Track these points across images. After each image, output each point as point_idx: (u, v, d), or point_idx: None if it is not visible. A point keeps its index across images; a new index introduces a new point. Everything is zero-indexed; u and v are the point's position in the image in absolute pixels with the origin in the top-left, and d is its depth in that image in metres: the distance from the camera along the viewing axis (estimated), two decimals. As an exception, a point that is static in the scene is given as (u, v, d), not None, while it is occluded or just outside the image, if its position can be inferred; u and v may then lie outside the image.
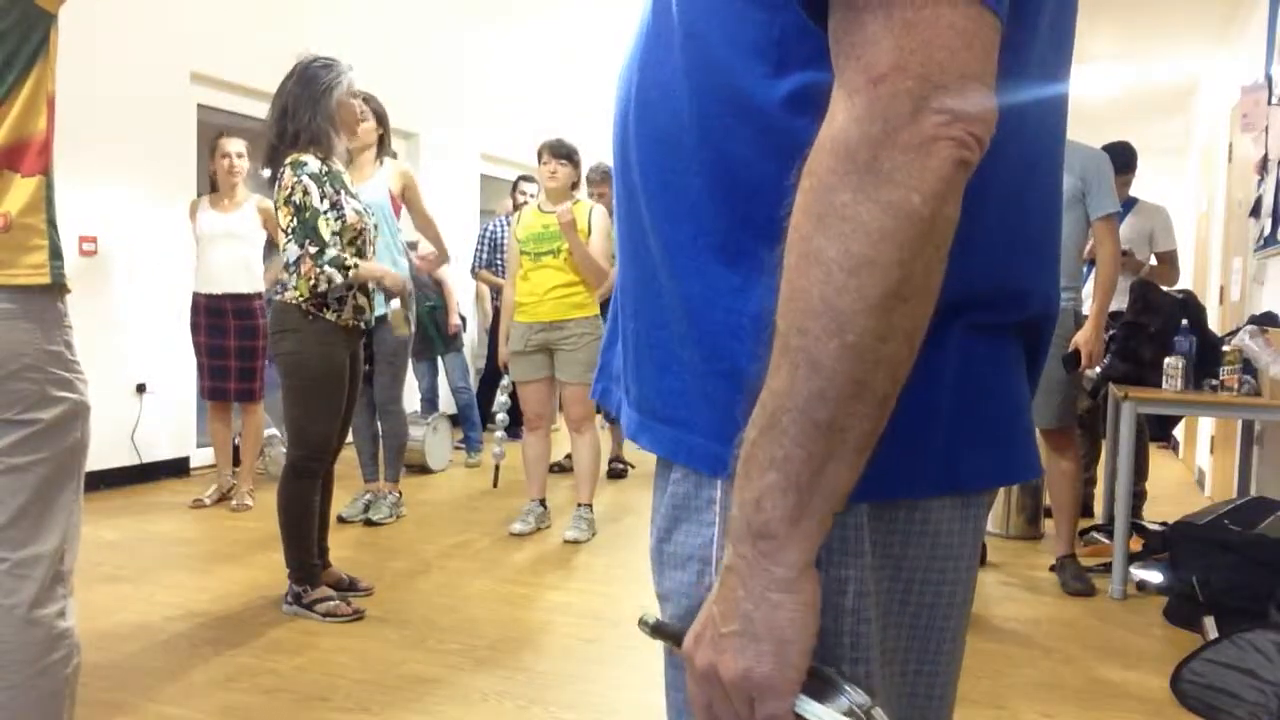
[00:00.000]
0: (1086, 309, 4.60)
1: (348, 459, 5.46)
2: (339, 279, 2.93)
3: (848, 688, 0.61)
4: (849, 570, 0.66)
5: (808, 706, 0.60)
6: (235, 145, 4.48)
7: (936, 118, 0.54)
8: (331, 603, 3.03)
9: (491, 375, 6.72)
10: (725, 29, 0.65)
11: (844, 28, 0.57)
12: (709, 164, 0.67)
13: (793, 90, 0.62)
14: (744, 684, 0.60)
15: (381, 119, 4.01)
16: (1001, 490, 4.23)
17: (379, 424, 4.34)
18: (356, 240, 3.04)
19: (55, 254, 1.47)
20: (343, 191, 3.02)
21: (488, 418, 6.93)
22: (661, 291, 0.73)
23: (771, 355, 0.59)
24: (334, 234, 2.97)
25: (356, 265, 2.98)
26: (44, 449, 1.45)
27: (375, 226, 3.16)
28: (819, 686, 0.61)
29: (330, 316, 3.00)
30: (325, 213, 2.95)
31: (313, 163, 2.96)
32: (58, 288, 1.49)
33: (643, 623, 0.70)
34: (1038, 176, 0.72)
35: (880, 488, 0.66)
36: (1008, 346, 0.71)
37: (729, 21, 0.64)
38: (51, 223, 1.47)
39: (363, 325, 3.10)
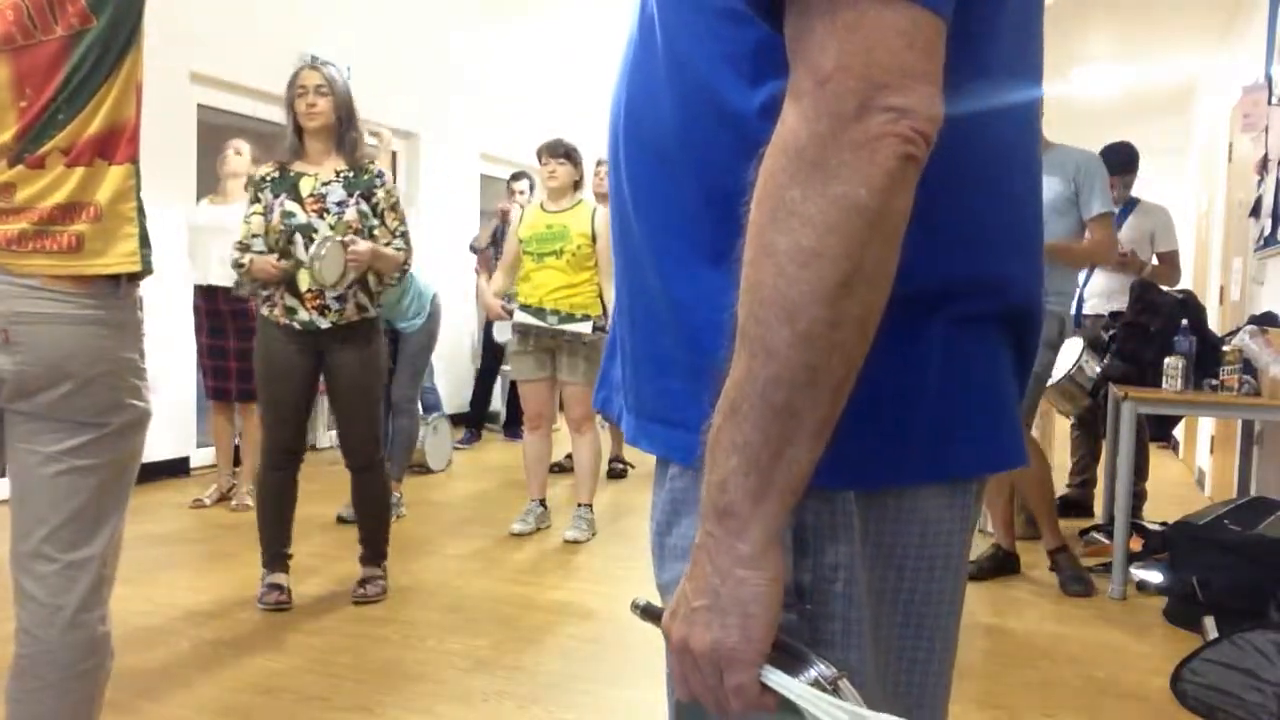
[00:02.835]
0: (1088, 308, 4.61)
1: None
2: (236, 275, 3.14)
3: (816, 660, 0.63)
4: (839, 557, 0.69)
5: (773, 676, 0.63)
6: (237, 143, 4.51)
7: (882, 115, 0.57)
8: (269, 595, 3.12)
9: (488, 370, 6.74)
10: (704, 44, 0.68)
11: (794, 33, 0.60)
12: (694, 172, 0.70)
13: (767, 99, 0.64)
14: (712, 655, 0.63)
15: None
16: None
17: (390, 421, 4.35)
18: (279, 243, 3.06)
19: (144, 241, 1.46)
20: (283, 195, 3.07)
21: (485, 415, 6.95)
22: (655, 297, 0.75)
23: (734, 345, 0.62)
24: (254, 235, 3.09)
25: (248, 263, 3.06)
26: (107, 453, 1.45)
27: (317, 229, 3.05)
28: (787, 660, 0.64)
29: (265, 311, 3.13)
30: (249, 217, 3.11)
31: (262, 169, 3.17)
32: (137, 295, 1.48)
33: (634, 605, 0.74)
34: (1012, 168, 0.74)
35: (867, 476, 0.69)
36: (991, 337, 0.73)
37: (707, 37, 0.67)
38: (140, 210, 1.46)
39: (297, 325, 3.07)
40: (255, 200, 3.10)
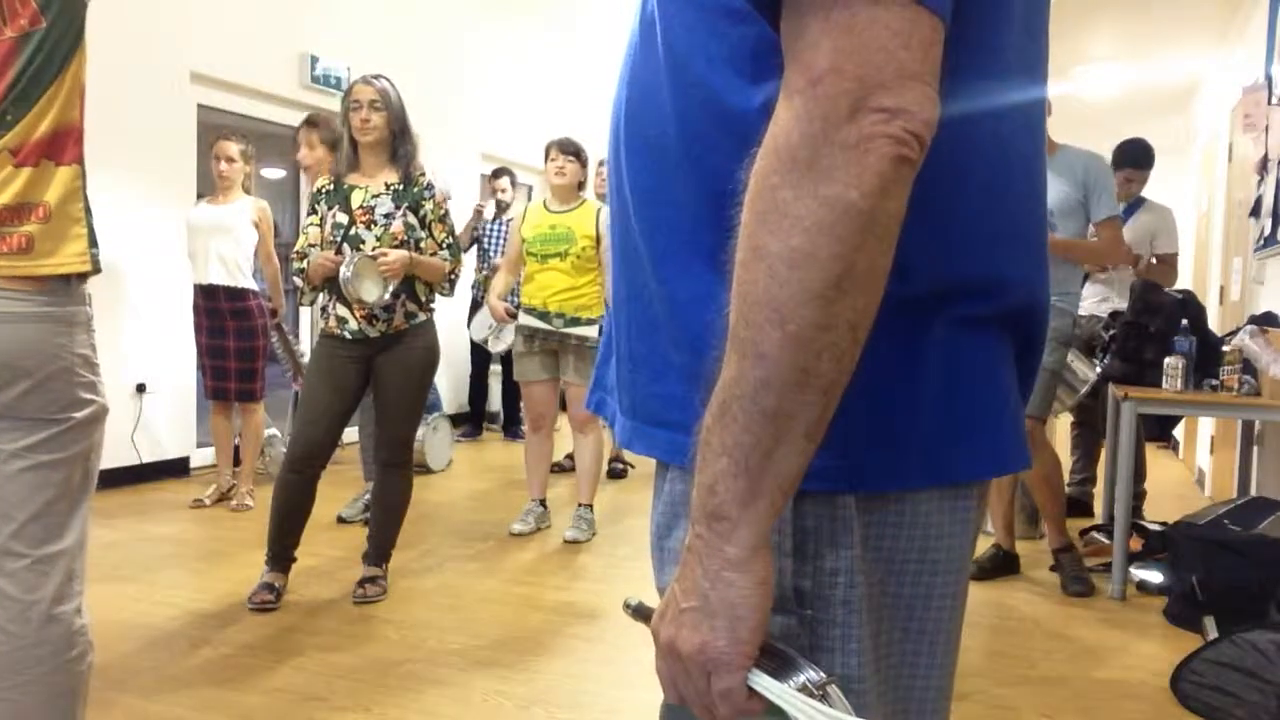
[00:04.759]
0: (1081, 310, 4.61)
1: (347, 459, 5.46)
2: (298, 282, 3.20)
3: (805, 665, 0.63)
4: (840, 562, 0.68)
5: (761, 680, 0.62)
6: (229, 149, 4.46)
7: (874, 116, 0.56)
8: (258, 594, 3.12)
9: (479, 370, 6.73)
10: (704, 45, 0.67)
11: (790, 33, 0.59)
12: (694, 173, 0.70)
13: (767, 99, 0.64)
14: (700, 658, 0.62)
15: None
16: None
17: None
18: (327, 251, 3.16)
19: (93, 241, 1.48)
20: (336, 207, 3.16)
21: (485, 415, 6.95)
22: (653, 300, 0.75)
23: (725, 346, 0.61)
24: (310, 245, 3.18)
25: (306, 267, 3.14)
26: (70, 448, 1.46)
27: (364, 240, 3.11)
28: (776, 664, 0.63)
29: (321, 323, 3.22)
30: (306, 228, 3.23)
31: (319, 181, 3.27)
32: (85, 291, 1.49)
33: (626, 605, 0.74)
34: (1013, 167, 0.74)
35: (868, 480, 0.68)
36: (993, 338, 0.73)
37: (707, 38, 0.67)
38: (88, 209, 1.48)
39: (348, 335, 3.14)
40: (313, 211, 3.22)
